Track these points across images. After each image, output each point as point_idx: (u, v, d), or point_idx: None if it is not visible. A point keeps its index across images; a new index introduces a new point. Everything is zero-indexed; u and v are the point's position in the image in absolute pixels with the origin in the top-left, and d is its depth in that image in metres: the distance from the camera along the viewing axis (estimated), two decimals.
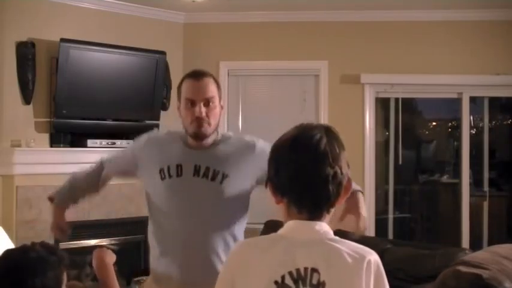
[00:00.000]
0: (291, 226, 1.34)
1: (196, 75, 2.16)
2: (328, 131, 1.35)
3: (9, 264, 1.69)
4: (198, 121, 2.11)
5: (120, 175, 2.46)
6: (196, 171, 2.13)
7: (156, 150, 2.22)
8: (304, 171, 1.31)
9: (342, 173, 1.32)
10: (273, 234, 1.37)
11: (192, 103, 2.12)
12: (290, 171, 1.32)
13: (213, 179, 2.12)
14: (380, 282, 1.31)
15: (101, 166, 2.42)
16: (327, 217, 1.35)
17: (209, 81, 2.16)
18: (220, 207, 2.11)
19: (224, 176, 2.12)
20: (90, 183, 2.43)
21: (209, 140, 2.18)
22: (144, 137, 2.31)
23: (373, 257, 1.32)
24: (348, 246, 1.31)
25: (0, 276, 1.69)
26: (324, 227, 1.33)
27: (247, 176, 2.16)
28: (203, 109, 2.11)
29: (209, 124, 2.13)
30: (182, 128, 2.23)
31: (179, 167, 2.15)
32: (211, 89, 2.15)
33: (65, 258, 1.73)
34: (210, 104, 2.13)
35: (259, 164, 1.91)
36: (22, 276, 1.65)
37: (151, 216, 2.26)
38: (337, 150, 1.33)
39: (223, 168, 2.13)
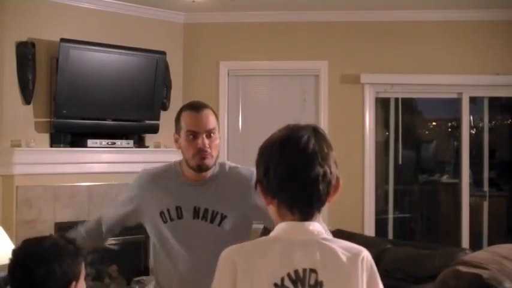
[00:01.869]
0: (285, 228, 1.33)
1: (197, 107, 2.14)
2: (315, 131, 1.35)
3: (22, 253, 1.67)
4: (201, 153, 2.09)
5: (122, 224, 2.39)
6: (196, 213, 2.14)
7: (153, 192, 2.20)
8: (295, 172, 1.31)
9: (331, 172, 1.33)
10: (264, 238, 1.36)
11: (194, 135, 2.10)
12: (281, 172, 1.32)
13: (212, 221, 2.13)
14: (373, 278, 1.33)
15: (100, 219, 2.38)
16: (318, 216, 1.35)
17: (209, 112, 2.14)
18: (221, 248, 2.08)
19: (223, 217, 2.13)
20: (94, 233, 2.38)
21: (209, 173, 2.16)
22: (136, 182, 2.27)
23: (365, 253, 1.33)
24: (340, 245, 1.33)
25: (12, 265, 1.67)
26: (316, 226, 1.34)
27: (246, 214, 2.16)
28: (206, 141, 2.09)
29: (211, 156, 2.11)
30: (178, 160, 2.21)
31: (179, 209, 2.15)
32: (212, 121, 2.13)
33: (84, 250, 1.69)
34: (212, 135, 2.11)
35: (255, 204, 2.00)
36: (34, 263, 1.62)
37: (154, 251, 2.26)
38: (326, 150, 1.33)
39: (221, 208, 2.13)
